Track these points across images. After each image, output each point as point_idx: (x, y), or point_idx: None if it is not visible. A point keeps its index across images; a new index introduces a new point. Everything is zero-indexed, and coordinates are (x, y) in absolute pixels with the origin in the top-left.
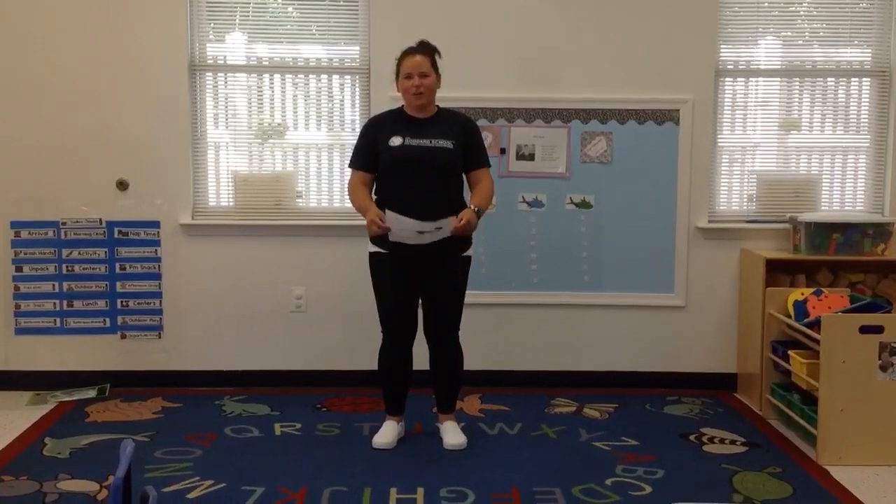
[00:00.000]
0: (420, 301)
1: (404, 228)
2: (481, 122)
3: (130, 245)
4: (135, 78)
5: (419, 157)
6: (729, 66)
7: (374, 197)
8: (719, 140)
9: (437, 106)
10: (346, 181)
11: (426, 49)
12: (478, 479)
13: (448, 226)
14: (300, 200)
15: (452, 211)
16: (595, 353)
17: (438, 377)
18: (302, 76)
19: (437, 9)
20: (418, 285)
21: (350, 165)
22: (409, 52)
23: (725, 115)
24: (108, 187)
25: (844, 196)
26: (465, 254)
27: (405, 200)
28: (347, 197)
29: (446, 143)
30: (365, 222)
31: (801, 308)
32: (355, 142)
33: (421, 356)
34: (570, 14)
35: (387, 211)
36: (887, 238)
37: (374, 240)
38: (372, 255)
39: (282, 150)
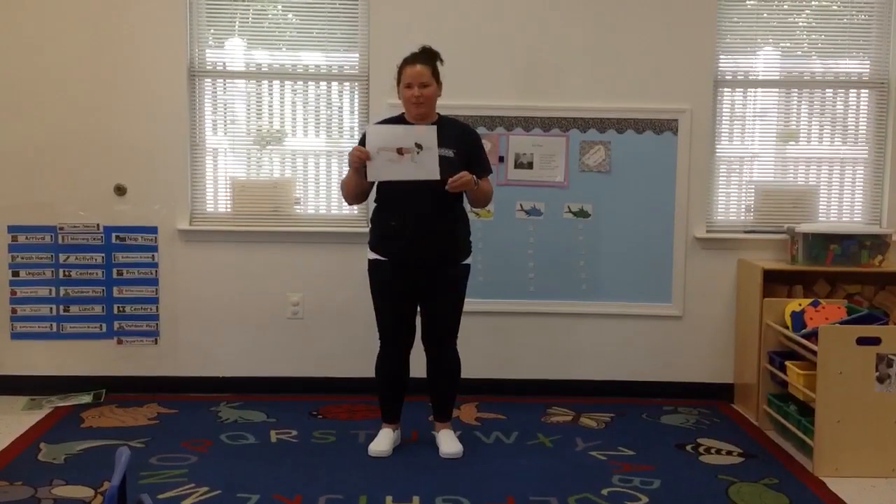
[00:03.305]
0: (418, 309)
1: (384, 147)
2: (480, 131)
3: (128, 250)
4: (134, 83)
5: None
6: (727, 77)
7: (374, 204)
8: (717, 150)
9: (438, 114)
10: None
11: (427, 58)
12: (473, 488)
13: (429, 141)
14: (298, 207)
15: (453, 219)
16: (592, 362)
17: (435, 385)
18: (301, 83)
19: (437, 17)
20: (417, 293)
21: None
22: (409, 62)
23: (724, 126)
24: (106, 192)
25: (842, 207)
26: (464, 262)
27: (405, 208)
28: (344, 199)
29: (447, 152)
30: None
31: (798, 319)
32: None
33: (417, 363)
34: (569, 23)
35: (368, 129)
36: (885, 249)
37: (374, 247)
38: (371, 262)
39: (280, 156)
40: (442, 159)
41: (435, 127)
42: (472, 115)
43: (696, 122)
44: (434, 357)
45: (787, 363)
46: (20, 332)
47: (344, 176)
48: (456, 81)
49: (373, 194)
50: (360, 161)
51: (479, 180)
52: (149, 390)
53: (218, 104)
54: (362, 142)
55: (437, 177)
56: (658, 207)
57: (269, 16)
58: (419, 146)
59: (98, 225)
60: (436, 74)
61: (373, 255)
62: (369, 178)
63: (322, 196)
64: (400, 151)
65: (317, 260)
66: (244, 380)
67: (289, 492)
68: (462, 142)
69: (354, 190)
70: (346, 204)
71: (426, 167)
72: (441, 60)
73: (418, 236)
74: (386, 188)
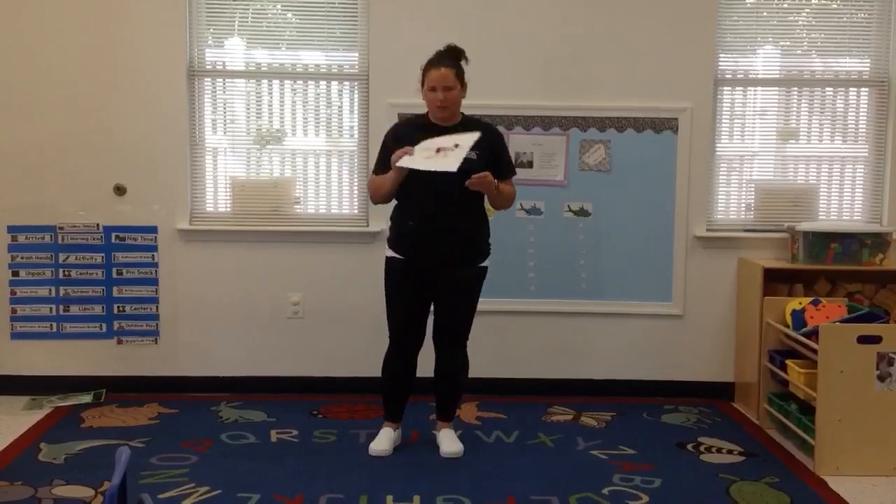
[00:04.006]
0: (432, 308)
1: (426, 147)
2: None
3: (127, 250)
4: (133, 83)
5: None
6: (727, 75)
7: (394, 202)
8: (717, 149)
9: (462, 113)
10: (344, 188)
11: (452, 59)
12: (474, 488)
13: (466, 143)
14: (298, 207)
15: (472, 220)
16: (593, 361)
17: (441, 385)
18: (300, 82)
19: (436, 16)
20: (431, 293)
21: (373, 172)
22: (433, 64)
23: (724, 124)
24: (106, 192)
25: (842, 206)
26: (481, 264)
27: (424, 208)
28: (369, 196)
29: (470, 154)
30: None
31: (798, 317)
32: (379, 148)
33: (422, 363)
34: (568, 23)
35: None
36: (885, 248)
37: (392, 246)
38: (388, 259)
39: (280, 156)
40: (464, 160)
41: (478, 134)
42: (471, 114)
43: (697, 121)
44: (443, 357)
45: (788, 362)
46: (20, 331)
47: (372, 174)
48: None
49: None
50: (402, 165)
51: (500, 183)
52: (149, 390)
53: (217, 104)
54: (389, 148)
55: (454, 169)
56: (658, 206)
57: (269, 15)
58: (456, 145)
59: (98, 225)
60: (460, 76)
61: (390, 253)
62: (400, 164)
63: (322, 195)
64: (438, 150)
65: (317, 259)
66: (244, 379)
67: (289, 491)
68: (485, 143)
69: (390, 190)
70: (371, 198)
71: (449, 161)
72: (466, 59)
73: (436, 236)
74: (408, 190)
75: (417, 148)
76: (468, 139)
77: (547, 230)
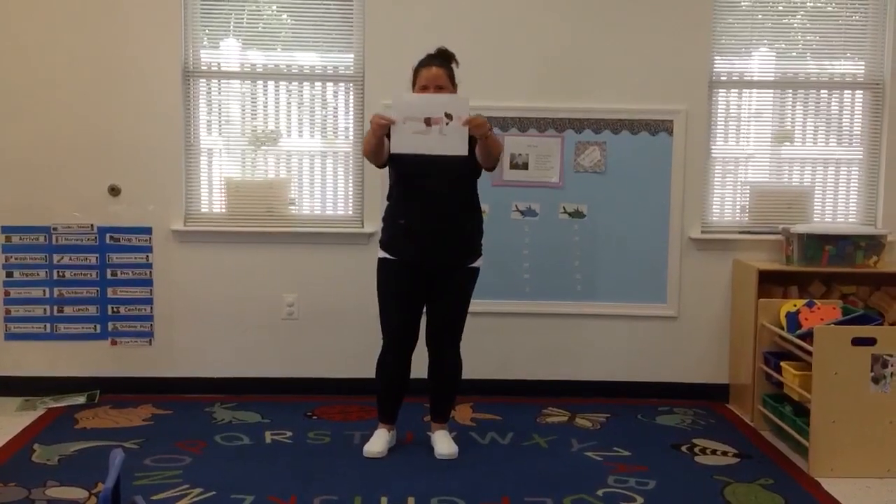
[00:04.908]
0: (424, 309)
1: (410, 116)
2: None
3: (122, 251)
4: (128, 83)
5: (432, 164)
6: (723, 78)
7: (386, 202)
8: (713, 151)
9: None
10: (339, 189)
11: (443, 60)
12: (469, 489)
13: (459, 113)
14: (293, 207)
15: (466, 220)
16: (587, 362)
17: (436, 386)
18: (296, 83)
19: (431, 18)
20: (424, 294)
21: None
22: (425, 64)
23: (719, 126)
24: (101, 193)
25: (837, 208)
26: (473, 265)
27: (417, 208)
28: (364, 156)
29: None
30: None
31: (793, 319)
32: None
33: (416, 364)
34: (564, 24)
35: (392, 95)
36: (879, 250)
37: (384, 246)
38: (381, 260)
39: (275, 157)
40: (454, 157)
41: (468, 98)
42: None
43: (692, 123)
44: (437, 359)
45: (783, 364)
46: (14, 332)
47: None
48: None
49: (385, 189)
50: (381, 128)
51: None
52: (143, 391)
53: (213, 104)
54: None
55: (464, 152)
56: (653, 208)
57: (264, 16)
58: (449, 116)
59: (92, 225)
60: (451, 77)
61: (382, 254)
62: (393, 150)
63: (317, 196)
64: (428, 122)
65: (312, 260)
66: (239, 380)
67: (283, 493)
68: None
69: (374, 148)
70: (364, 155)
71: (453, 141)
72: (457, 62)
73: (428, 236)
74: (399, 189)
75: (399, 116)
76: (459, 106)
77: (542, 232)
